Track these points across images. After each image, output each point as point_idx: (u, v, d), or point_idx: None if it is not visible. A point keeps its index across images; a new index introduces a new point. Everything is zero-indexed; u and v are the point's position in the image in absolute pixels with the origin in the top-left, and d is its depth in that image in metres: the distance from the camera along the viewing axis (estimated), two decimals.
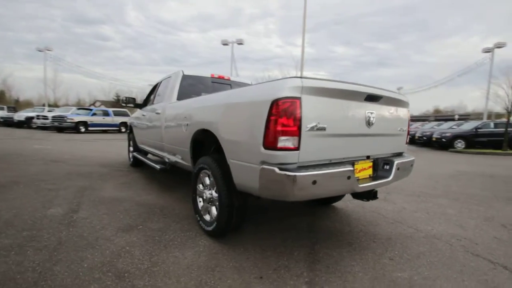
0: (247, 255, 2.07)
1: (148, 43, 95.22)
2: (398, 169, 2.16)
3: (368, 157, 2.09)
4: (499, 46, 17.26)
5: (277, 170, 1.55)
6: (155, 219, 2.70)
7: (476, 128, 12.97)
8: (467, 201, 3.73)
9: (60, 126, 15.28)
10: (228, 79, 4.09)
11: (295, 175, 1.51)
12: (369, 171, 2.08)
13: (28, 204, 2.98)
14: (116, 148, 9.26)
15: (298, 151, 1.59)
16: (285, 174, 1.53)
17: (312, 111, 1.61)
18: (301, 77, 1.57)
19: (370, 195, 2.14)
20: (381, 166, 2.18)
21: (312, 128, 1.61)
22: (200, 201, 2.55)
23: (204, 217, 2.43)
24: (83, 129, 16.02)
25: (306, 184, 1.55)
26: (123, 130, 18.91)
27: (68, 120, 15.17)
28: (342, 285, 1.74)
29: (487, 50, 18.06)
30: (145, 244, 2.18)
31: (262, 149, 1.64)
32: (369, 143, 2.05)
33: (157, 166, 3.53)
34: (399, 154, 2.44)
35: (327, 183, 1.63)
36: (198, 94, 3.76)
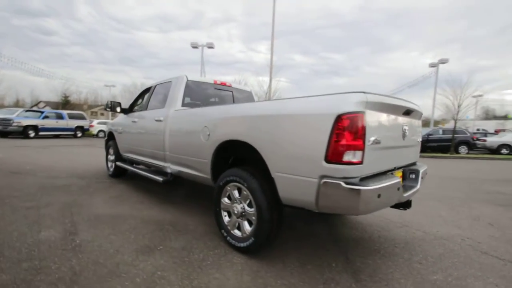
0: (289, 270, 2.01)
1: (101, 40, 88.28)
2: (422, 177, 2.32)
3: (399, 168, 2.21)
4: (443, 62, 19.85)
5: (343, 184, 1.54)
6: (173, 238, 2.48)
7: (428, 134, 14.60)
8: (450, 203, 4.15)
9: (5, 131, 13.28)
10: (230, 86, 3.99)
11: (364, 189, 1.52)
12: (401, 181, 2.20)
13: (10, 227, 2.51)
14: (82, 156, 8.36)
15: (361, 165, 1.61)
16: (353, 189, 1.53)
17: (372, 125, 1.64)
18: (365, 92, 1.60)
19: (407, 204, 2.26)
20: (408, 176, 2.31)
21: (373, 142, 1.65)
22: (225, 215, 2.42)
23: (232, 232, 2.31)
24: (32, 134, 14.17)
25: (372, 197, 1.57)
26: (79, 135, 17.26)
27: (15, 124, 13.27)
28: None
29: (433, 65, 20.61)
30: (177, 267, 1.99)
31: (324, 163, 1.62)
32: (401, 154, 2.17)
33: (160, 178, 3.27)
34: (415, 163, 2.62)
35: (386, 195, 1.67)
36: (202, 101, 3.61)
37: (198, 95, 3.58)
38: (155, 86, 3.99)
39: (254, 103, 2.20)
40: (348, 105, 1.57)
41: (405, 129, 2.06)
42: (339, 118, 1.57)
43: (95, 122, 20.39)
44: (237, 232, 2.30)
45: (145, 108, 3.98)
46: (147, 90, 4.39)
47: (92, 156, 8.30)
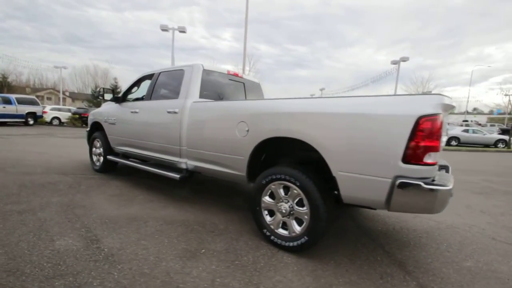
0: (343, 267, 2.03)
1: (44, 15, 77.41)
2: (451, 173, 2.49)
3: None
4: (404, 60, 21.51)
5: (423, 184, 1.58)
6: (209, 239, 2.33)
7: None
8: None
9: None
10: (241, 77, 3.81)
11: (442, 189, 1.57)
12: None
13: (12, 238, 2.12)
14: (48, 147, 7.39)
15: (435, 166, 1.66)
16: (431, 189, 1.58)
17: (443, 126, 1.69)
18: (441, 94, 1.63)
19: None
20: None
21: (443, 143, 1.70)
22: (266, 215, 2.34)
23: (277, 231, 2.25)
24: None
25: (447, 196, 1.64)
26: (31, 122, 15.28)
27: None
28: (444, 282, 1.92)
29: (394, 63, 22.23)
30: (233, 272, 1.87)
31: (401, 163, 1.63)
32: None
33: (176, 175, 3.02)
34: None
35: (452, 193, 1.76)
36: (216, 92, 3.40)
37: (213, 85, 3.35)
38: (159, 74, 3.63)
39: (310, 99, 2.10)
40: (428, 107, 1.59)
41: (447, 128, 2.18)
42: (420, 120, 1.58)
43: (48, 108, 18.12)
44: (282, 231, 2.24)
45: (149, 98, 3.61)
46: (145, 78, 3.99)
47: (60, 148, 7.39)
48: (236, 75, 3.71)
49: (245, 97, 3.83)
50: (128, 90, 4.13)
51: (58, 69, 29.68)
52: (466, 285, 1.90)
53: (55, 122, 17.98)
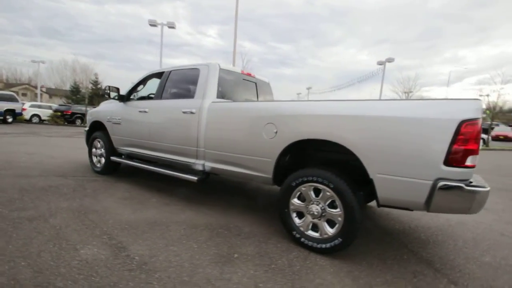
0: (376, 267, 2.06)
1: (18, 7, 72.86)
2: None
3: None
4: (389, 61, 22.18)
5: (464, 186, 1.63)
6: (238, 243, 2.30)
7: None
8: None
9: None
10: (254, 77, 3.76)
11: (482, 191, 1.63)
12: None
13: (31, 248, 1.98)
14: (36, 147, 6.98)
15: (474, 168, 1.71)
16: (472, 190, 1.63)
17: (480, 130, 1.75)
18: (478, 99, 1.68)
19: None
20: None
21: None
22: (295, 217, 2.34)
23: (307, 233, 2.25)
24: None
25: (485, 198, 1.70)
26: (10, 120, 14.42)
27: None
28: (471, 278, 2.00)
29: (380, 63, 22.88)
30: (273, 276, 1.85)
31: (442, 166, 1.67)
32: None
33: (193, 177, 2.95)
34: None
35: None
36: (230, 91, 3.35)
37: (228, 85, 3.29)
38: (170, 72, 3.51)
39: (348, 102, 2.10)
40: (470, 111, 1.64)
41: None
42: (462, 124, 1.63)
43: (27, 105, 17.12)
44: (312, 233, 2.24)
45: (159, 97, 3.49)
46: (153, 76, 3.85)
47: (50, 148, 7.01)
48: (249, 74, 3.66)
49: (257, 97, 3.80)
50: (133, 89, 3.97)
51: (33, 64, 28.14)
52: (491, 280, 1.99)
53: (35, 120, 17.03)
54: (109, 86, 3.72)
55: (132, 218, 2.67)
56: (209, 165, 2.95)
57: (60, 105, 20.89)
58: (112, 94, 3.82)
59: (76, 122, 18.08)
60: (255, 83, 3.78)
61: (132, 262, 1.89)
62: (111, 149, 4.15)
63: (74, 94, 34.54)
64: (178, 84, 3.43)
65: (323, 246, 2.15)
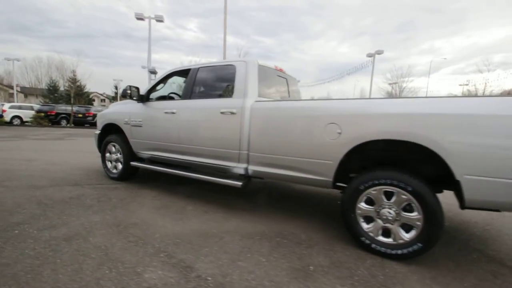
0: (456, 271, 1.98)
1: None
2: None
3: None
4: (379, 53, 22.49)
5: None
6: (304, 253, 2.14)
7: None
8: None
9: None
10: (285, 73, 3.57)
11: None
12: None
13: (87, 276, 1.73)
14: (30, 152, 6.47)
15: None
16: None
17: None
18: None
19: None
20: None
21: None
22: (362, 222, 2.21)
23: (378, 239, 2.13)
24: None
25: None
26: None
27: None
28: None
29: (370, 55, 23.14)
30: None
31: None
32: None
33: (237, 182, 2.75)
34: None
35: None
36: (267, 89, 3.16)
37: (265, 82, 3.08)
38: (197, 69, 3.25)
39: (430, 99, 1.97)
40: None
41: None
42: None
43: (6, 106, 15.99)
44: (384, 239, 2.13)
45: (188, 96, 3.23)
46: (175, 74, 3.59)
47: (46, 152, 6.51)
48: (281, 70, 3.46)
49: (288, 94, 3.62)
50: (153, 88, 3.68)
51: (4, 62, 26.32)
52: None
53: (16, 121, 15.97)
54: (129, 86, 3.41)
55: (178, 230, 2.45)
56: (253, 168, 2.76)
57: (42, 104, 19.69)
58: (134, 95, 3.51)
59: (62, 122, 17.11)
60: (286, 79, 3.59)
61: (207, 285, 1.70)
62: (130, 154, 3.85)
63: (52, 93, 32.73)
64: (210, 82, 3.18)
65: (399, 252, 2.04)
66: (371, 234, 2.17)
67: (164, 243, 2.19)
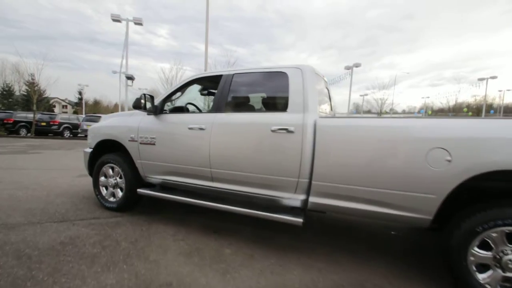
0: None
1: None
2: None
3: None
4: (356, 66, 23.29)
5: None
6: None
7: None
8: None
9: None
10: (325, 80, 3.11)
11: None
12: None
13: None
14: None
15: None
16: None
17: None
18: None
19: None
20: None
21: None
22: (475, 271, 1.76)
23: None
24: None
25: None
26: None
27: None
28: None
29: (348, 68, 23.89)
30: None
31: None
32: None
33: (299, 219, 2.18)
34: None
35: None
36: (320, 102, 2.67)
37: (319, 93, 2.58)
38: (232, 76, 2.66)
39: None
40: None
41: None
42: None
43: None
44: None
45: (221, 108, 2.61)
46: (197, 82, 2.96)
47: (11, 171, 5.32)
48: (323, 77, 3.00)
49: (331, 107, 3.15)
50: (168, 98, 3.00)
51: None
52: None
53: None
54: (144, 95, 2.71)
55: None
56: (315, 201, 2.22)
57: None
58: (148, 105, 2.80)
59: (21, 132, 15.04)
60: (327, 89, 3.13)
61: None
62: (134, 178, 3.09)
63: (6, 98, 29.72)
64: (249, 92, 2.61)
65: None
66: (488, 286, 1.73)
67: None
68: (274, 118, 2.34)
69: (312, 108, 2.25)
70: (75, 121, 17.15)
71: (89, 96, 52.13)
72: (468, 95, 42.72)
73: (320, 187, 2.18)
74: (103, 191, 3.33)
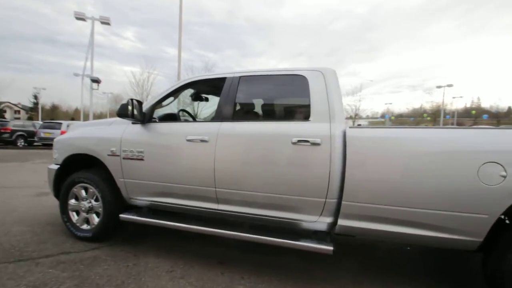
0: None
1: None
2: None
3: None
4: None
5: None
6: None
7: None
8: None
9: None
10: None
11: None
12: None
13: None
14: None
15: None
16: None
17: None
18: None
19: None
20: None
21: None
22: None
23: None
24: None
25: None
26: None
27: None
28: None
29: None
30: None
31: None
32: None
33: (329, 247, 1.86)
34: None
35: None
36: None
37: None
38: (238, 79, 2.29)
39: None
40: None
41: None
42: None
43: None
44: None
45: (225, 117, 2.21)
46: (199, 85, 2.55)
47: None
48: None
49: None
50: (158, 103, 2.54)
51: None
52: None
53: None
54: (131, 100, 2.22)
55: None
56: (345, 224, 1.92)
57: None
58: (135, 112, 2.31)
59: None
60: None
61: None
62: (115, 200, 2.56)
63: None
64: (262, 97, 2.26)
65: None
66: None
67: None
68: (294, 128, 2.01)
69: (339, 117, 1.97)
70: (31, 128, 15.29)
71: (46, 100, 47.78)
72: (423, 101, 46.66)
73: (352, 208, 1.88)
74: (74, 217, 2.72)
